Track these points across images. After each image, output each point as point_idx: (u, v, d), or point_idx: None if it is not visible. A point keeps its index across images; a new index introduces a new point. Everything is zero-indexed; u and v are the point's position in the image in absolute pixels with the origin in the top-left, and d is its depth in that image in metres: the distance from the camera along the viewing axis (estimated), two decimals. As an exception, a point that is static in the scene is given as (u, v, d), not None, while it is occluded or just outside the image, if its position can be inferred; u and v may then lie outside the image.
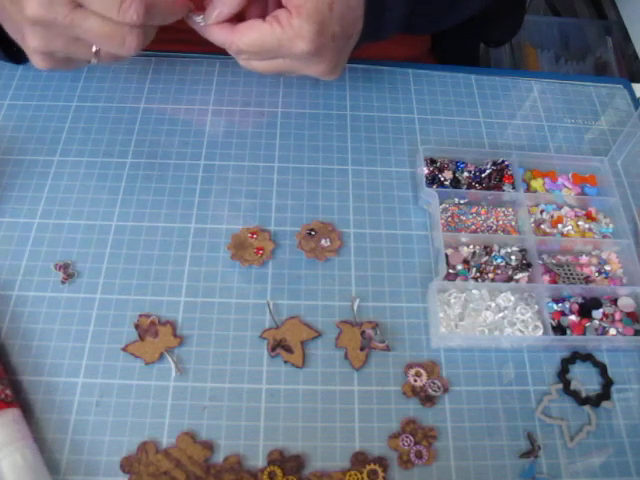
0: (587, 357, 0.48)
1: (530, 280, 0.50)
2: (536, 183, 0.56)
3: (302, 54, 0.45)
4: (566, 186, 0.56)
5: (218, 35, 0.46)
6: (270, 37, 0.44)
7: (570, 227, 0.53)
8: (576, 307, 0.49)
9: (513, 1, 0.70)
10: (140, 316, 0.47)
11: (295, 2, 0.43)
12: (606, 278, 0.51)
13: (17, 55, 0.57)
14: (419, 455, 0.42)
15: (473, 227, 0.53)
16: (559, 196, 0.55)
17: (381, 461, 0.42)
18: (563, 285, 0.50)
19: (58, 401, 0.43)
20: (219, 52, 0.62)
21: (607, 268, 0.52)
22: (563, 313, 0.49)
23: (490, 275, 0.50)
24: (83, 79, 0.60)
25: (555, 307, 0.49)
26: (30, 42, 0.43)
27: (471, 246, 0.52)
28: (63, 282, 0.48)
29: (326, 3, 0.44)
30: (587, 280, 0.51)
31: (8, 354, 0.45)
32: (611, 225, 0.54)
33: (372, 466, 0.42)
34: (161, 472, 0.41)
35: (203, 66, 0.62)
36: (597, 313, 0.49)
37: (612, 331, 0.48)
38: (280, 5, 0.45)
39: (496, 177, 0.55)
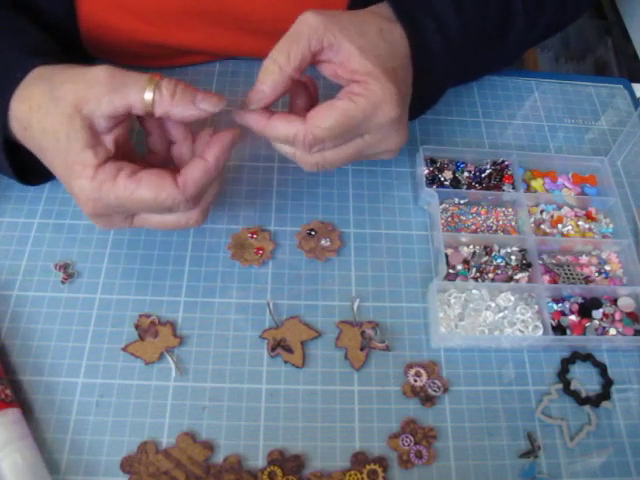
0: (587, 357, 0.48)
1: (530, 280, 0.50)
2: (536, 183, 0.56)
3: (387, 120, 0.42)
4: (566, 186, 0.56)
5: (283, 129, 0.42)
6: (354, 111, 0.41)
7: (570, 227, 0.53)
8: (576, 307, 0.49)
9: None
10: (140, 316, 0.47)
11: (363, 70, 0.41)
12: (606, 278, 0.51)
13: (29, 176, 0.48)
14: (419, 455, 0.42)
15: (473, 227, 0.53)
16: (559, 196, 0.55)
17: (381, 461, 0.42)
18: (563, 285, 0.50)
19: (58, 401, 0.43)
20: (217, 59, 0.63)
21: (607, 268, 0.52)
22: (563, 313, 0.49)
23: (490, 275, 0.50)
24: (83, 79, 0.60)
25: (555, 307, 0.49)
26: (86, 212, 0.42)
27: (471, 246, 0.52)
28: (63, 282, 0.48)
29: (390, 66, 0.42)
30: (587, 280, 0.51)
31: (8, 354, 0.45)
32: (611, 225, 0.54)
33: (372, 466, 0.42)
34: (161, 472, 0.41)
35: (203, 66, 0.62)
36: (597, 313, 0.49)
37: (612, 331, 0.48)
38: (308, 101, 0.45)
39: (496, 177, 0.55)
